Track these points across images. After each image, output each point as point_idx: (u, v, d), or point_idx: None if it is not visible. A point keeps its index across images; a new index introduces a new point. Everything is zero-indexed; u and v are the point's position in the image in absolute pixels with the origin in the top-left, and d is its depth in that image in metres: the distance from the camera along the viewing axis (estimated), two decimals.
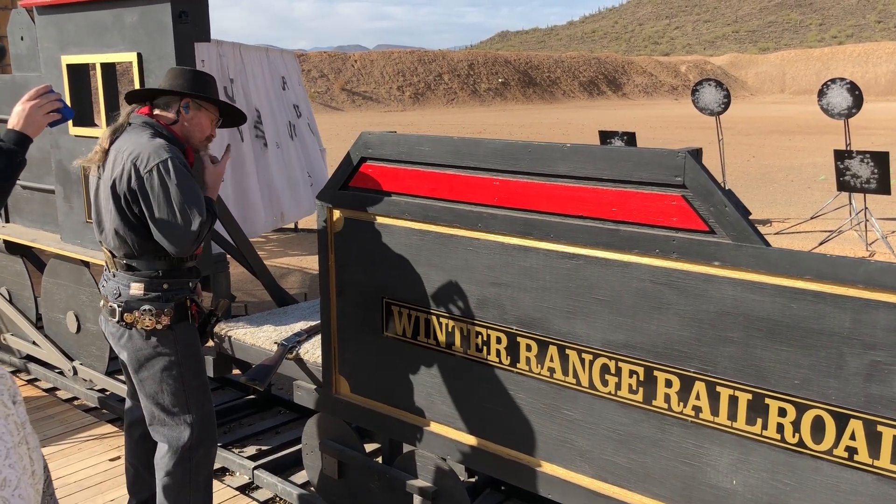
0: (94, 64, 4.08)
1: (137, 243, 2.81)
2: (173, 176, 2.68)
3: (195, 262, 3.00)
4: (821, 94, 9.96)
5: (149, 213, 2.72)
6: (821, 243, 9.33)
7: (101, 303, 2.98)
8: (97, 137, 4.10)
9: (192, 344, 2.96)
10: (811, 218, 10.74)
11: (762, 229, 10.17)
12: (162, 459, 2.94)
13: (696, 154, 2.23)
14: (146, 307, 2.83)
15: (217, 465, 3.96)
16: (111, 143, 2.84)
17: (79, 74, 4.24)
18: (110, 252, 2.90)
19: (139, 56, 3.77)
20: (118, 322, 2.87)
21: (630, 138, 10.56)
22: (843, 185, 9.40)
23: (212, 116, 2.98)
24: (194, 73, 2.94)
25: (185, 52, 3.67)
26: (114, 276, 2.91)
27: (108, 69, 4.11)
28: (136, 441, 3.21)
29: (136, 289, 2.84)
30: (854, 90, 9.67)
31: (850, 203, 9.92)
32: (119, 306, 2.86)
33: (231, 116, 3.08)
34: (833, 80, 9.96)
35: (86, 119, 4.32)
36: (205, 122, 2.95)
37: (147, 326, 2.84)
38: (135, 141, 2.77)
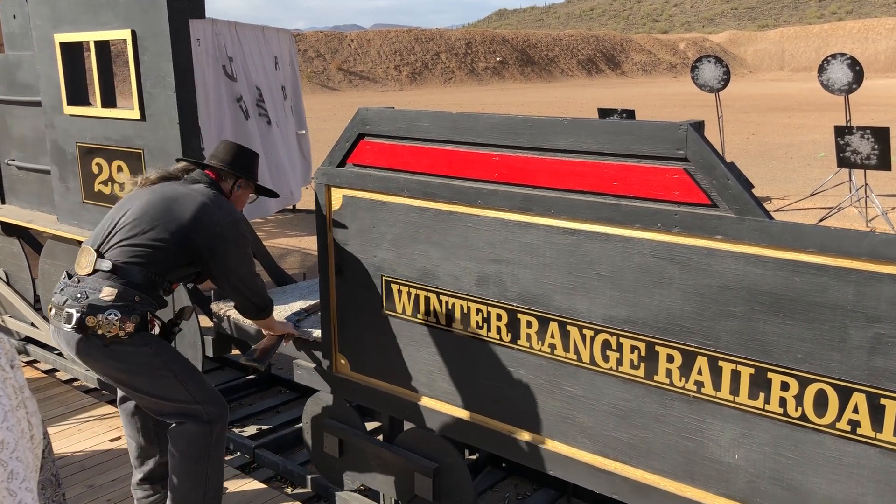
0: (87, 42, 4.03)
1: (145, 256, 2.80)
2: (246, 236, 2.96)
3: (170, 294, 3.02)
4: (821, 69, 9.89)
5: (223, 258, 2.89)
6: (821, 220, 9.31)
7: (52, 311, 2.81)
8: (92, 117, 4.08)
9: (158, 338, 2.91)
10: (811, 195, 10.72)
11: None
12: (178, 440, 2.88)
13: (698, 127, 2.20)
14: (112, 313, 2.71)
15: None
16: (156, 182, 3.01)
17: (72, 53, 4.19)
18: (96, 250, 2.82)
19: (133, 33, 3.73)
20: (75, 328, 2.72)
21: (629, 116, 10.51)
22: (843, 162, 9.37)
23: (251, 195, 3.23)
24: (250, 154, 3.16)
25: (180, 30, 3.63)
26: (78, 281, 2.79)
27: (102, 47, 4.06)
28: (131, 413, 3.18)
29: (107, 294, 2.73)
30: (855, 65, 9.61)
31: (851, 179, 9.89)
32: (79, 311, 2.71)
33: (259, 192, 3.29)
34: (833, 56, 9.90)
35: (80, 98, 4.27)
36: (245, 199, 3.20)
37: (109, 333, 2.71)
38: (208, 192, 2.94)
